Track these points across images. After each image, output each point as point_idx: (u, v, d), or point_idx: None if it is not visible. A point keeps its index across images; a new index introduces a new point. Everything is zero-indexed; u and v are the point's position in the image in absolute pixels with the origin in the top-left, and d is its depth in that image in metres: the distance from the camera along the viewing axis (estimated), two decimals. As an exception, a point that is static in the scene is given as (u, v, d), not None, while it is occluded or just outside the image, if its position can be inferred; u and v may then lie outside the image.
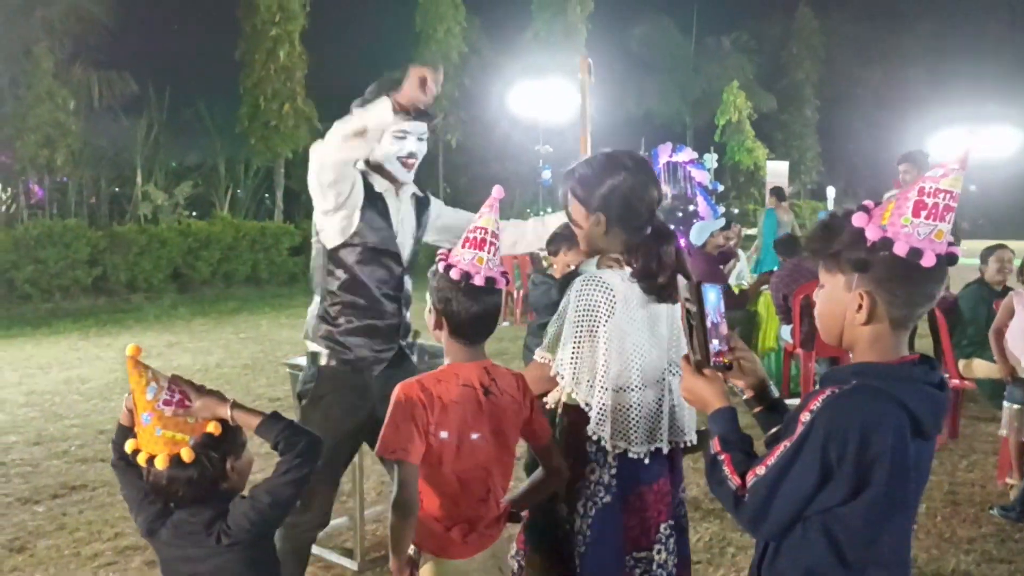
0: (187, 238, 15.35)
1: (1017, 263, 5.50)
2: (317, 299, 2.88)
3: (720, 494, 1.62)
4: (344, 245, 2.77)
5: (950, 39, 41.51)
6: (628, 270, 2.19)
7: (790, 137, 37.12)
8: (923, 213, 1.47)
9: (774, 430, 1.69)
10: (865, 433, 1.42)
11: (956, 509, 4.40)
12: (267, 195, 21.14)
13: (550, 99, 18.95)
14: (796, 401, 1.71)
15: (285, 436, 1.96)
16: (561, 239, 3.22)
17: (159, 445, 1.95)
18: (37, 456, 5.42)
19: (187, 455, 1.94)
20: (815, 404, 1.48)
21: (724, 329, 1.77)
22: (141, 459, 1.96)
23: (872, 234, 1.48)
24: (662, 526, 2.23)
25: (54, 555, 3.91)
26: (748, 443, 1.65)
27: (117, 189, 20.26)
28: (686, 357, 1.79)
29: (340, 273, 2.80)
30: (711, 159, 24.97)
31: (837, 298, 1.57)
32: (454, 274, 2.12)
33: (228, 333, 10.81)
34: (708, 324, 1.71)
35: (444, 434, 2.08)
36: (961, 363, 5.43)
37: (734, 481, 1.56)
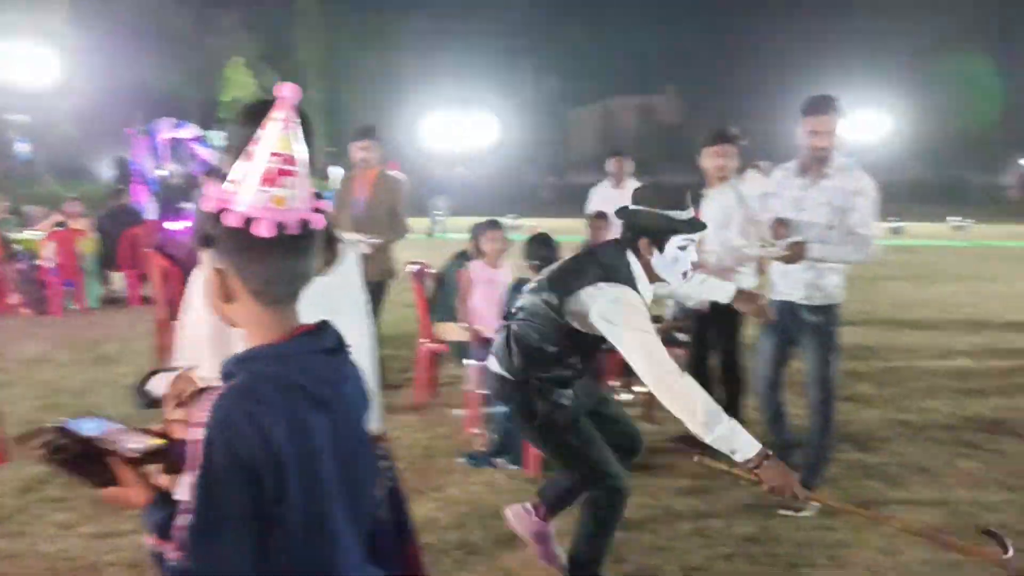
0: None
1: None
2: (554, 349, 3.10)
3: None
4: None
5: (437, 32, 46.04)
6: None
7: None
8: (259, 179, 1.34)
9: None
10: (261, 428, 1.28)
11: (431, 462, 4.82)
12: None
13: (23, 62, 16.72)
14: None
15: None
16: None
17: None
18: None
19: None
20: (205, 416, 1.30)
21: (119, 429, 1.52)
22: None
23: (209, 205, 1.35)
24: None
25: None
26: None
27: None
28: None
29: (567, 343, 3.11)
30: (219, 136, 24.09)
31: (208, 279, 1.43)
32: None
33: None
34: (103, 439, 1.47)
35: None
36: (438, 327, 5.95)
37: (177, 556, 1.31)
